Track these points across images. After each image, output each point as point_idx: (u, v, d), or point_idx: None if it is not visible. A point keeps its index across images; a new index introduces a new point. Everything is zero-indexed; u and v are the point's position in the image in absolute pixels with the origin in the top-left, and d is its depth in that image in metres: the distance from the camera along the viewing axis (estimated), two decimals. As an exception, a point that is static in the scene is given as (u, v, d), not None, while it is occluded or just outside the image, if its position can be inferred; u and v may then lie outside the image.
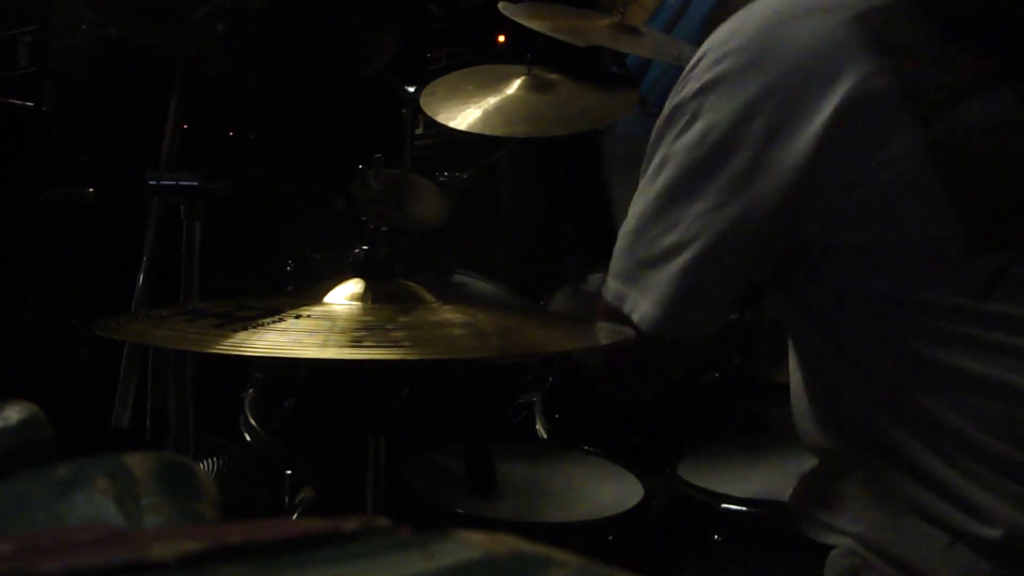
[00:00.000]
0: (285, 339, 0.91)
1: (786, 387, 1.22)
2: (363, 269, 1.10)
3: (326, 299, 1.08)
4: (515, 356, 1.87)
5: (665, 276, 1.10)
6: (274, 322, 0.93)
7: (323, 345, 0.90)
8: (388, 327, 0.96)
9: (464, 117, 1.91)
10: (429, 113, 1.97)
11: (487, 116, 1.91)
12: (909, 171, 0.99)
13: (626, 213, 1.18)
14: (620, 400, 1.85)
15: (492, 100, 1.95)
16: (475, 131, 1.88)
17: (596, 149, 2.64)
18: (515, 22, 1.92)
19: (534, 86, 1.97)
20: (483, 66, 2.09)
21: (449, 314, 1.06)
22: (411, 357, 0.93)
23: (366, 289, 1.08)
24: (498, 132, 1.90)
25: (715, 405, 1.89)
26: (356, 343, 0.90)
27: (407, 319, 1.00)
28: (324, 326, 0.95)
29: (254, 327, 0.92)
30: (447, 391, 1.72)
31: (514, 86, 1.96)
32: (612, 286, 1.16)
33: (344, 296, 1.08)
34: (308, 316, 0.98)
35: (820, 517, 1.13)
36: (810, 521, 1.14)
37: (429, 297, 1.11)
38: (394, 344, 0.93)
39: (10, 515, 0.40)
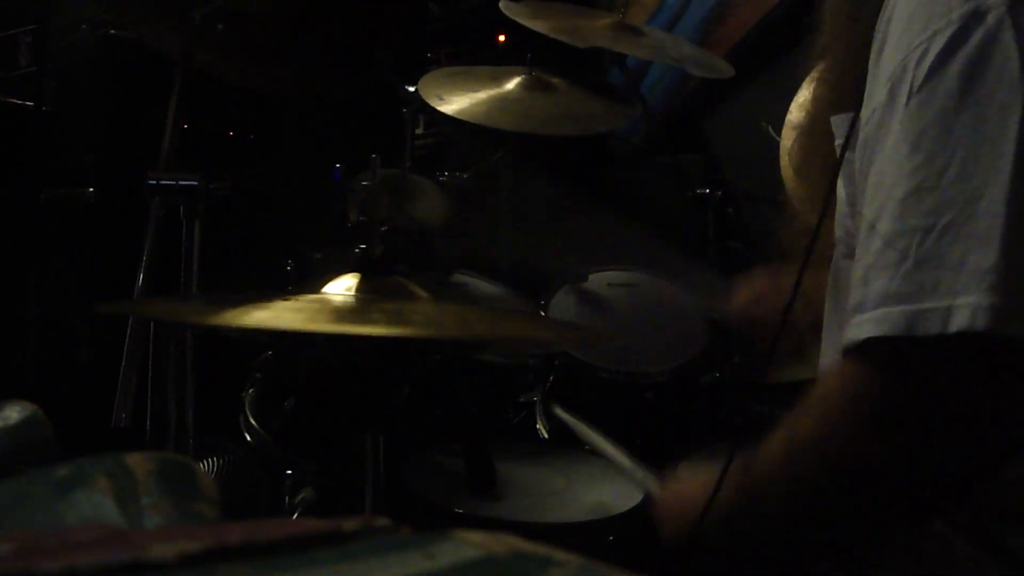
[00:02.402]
0: (268, 314, 0.92)
1: (786, 387, 1.21)
2: (361, 267, 1.10)
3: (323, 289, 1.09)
4: (502, 347, 1.87)
5: (975, 237, 0.78)
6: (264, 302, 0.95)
7: (308, 320, 0.91)
8: (369, 309, 0.96)
9: (461, 107, 1.91)
10: (426, 99, 1.96)
11: (485, 108, 1.91)
12: None
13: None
14: (620, 397, 1.85)
15: (490, 94, 1.95)
16: (471, 120, 1.87)
17: (596, 149, 2.65)
18: (515, 22, 1.92)
19: (533, 86, 1.97)
20: (482, 67, 2.09)
21: (435, 305, 1.06)
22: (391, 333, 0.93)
23: (360, 282, 1.08)
24: (494, 124, 1.90)
25: (715, 405, 1.89)
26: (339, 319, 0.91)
27: (392, 305, 1.01)
28: (311, 306, 0.96)
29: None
30: (447, 391, 1.72)
31: (513, 83, 1.96)
32: (879, 315, 0.81)
33: (339, 288, 1.08)
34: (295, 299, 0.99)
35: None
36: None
37: (423, 293, 1.11)
38: (372, 322, 0.93)
39: (10, 515, 0.40)
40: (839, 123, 1.02)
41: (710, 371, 1.88)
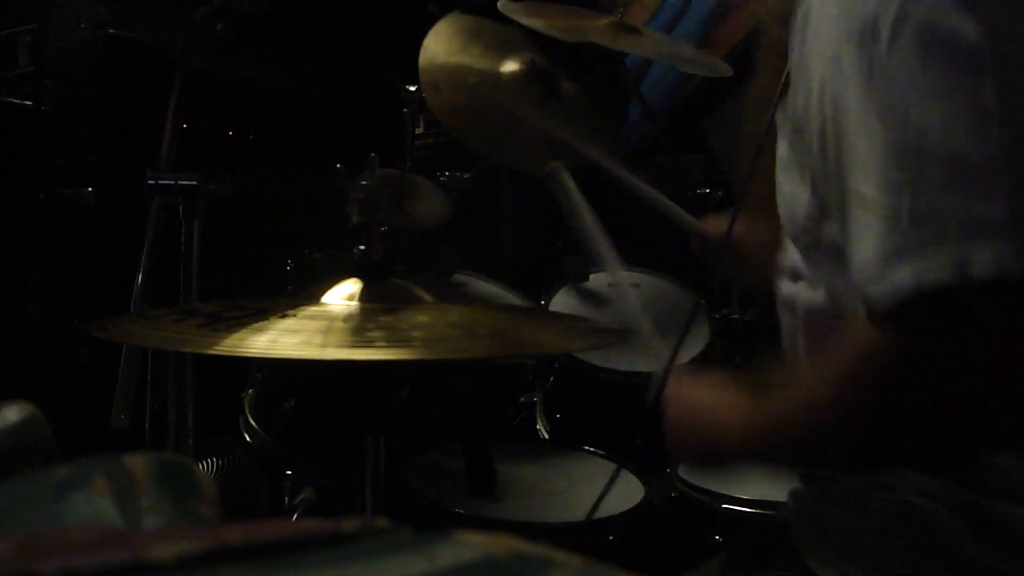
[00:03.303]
0: (265, 339, 0.91)
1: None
2: (360, 269, 1.09)
3: (323, 299, 1.08)
4: (511, 357, 1.87)
5: (973, 190, 0.80)
6: (261, 323, 0.94)
7: (315, 345, 0.90)
8: (370, 327, 0.95)
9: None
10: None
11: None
12: None
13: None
14: (620, 397, 1.85)
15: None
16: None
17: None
18: (515, 22, 1.92)
19: (537, 81, 1.95)
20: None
21: (442, 313, 1.06)
22: (402, 357, 0.93)
23: (362, 289, 1.08)
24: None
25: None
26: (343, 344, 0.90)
27: (395, 318, 1.00)
28: (313, 327, 0.95)
29: (237, 328, 0.92)
30: (447, 391, 1.72)
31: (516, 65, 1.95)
32: (892, 276, 0.81)
33: (340, 296, 1.08)
34: (293, 316, 0.98)
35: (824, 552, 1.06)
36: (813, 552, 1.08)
37: (426, 297, 1.11)
38: (368, 344, 0.93)
39: (10, 515, 0.40)
40: (783, 120, 1.04)
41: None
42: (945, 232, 0.79)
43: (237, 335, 0.91)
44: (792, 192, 1.02)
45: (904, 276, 0.80)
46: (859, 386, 0.87)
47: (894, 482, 1.01)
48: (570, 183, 1.50)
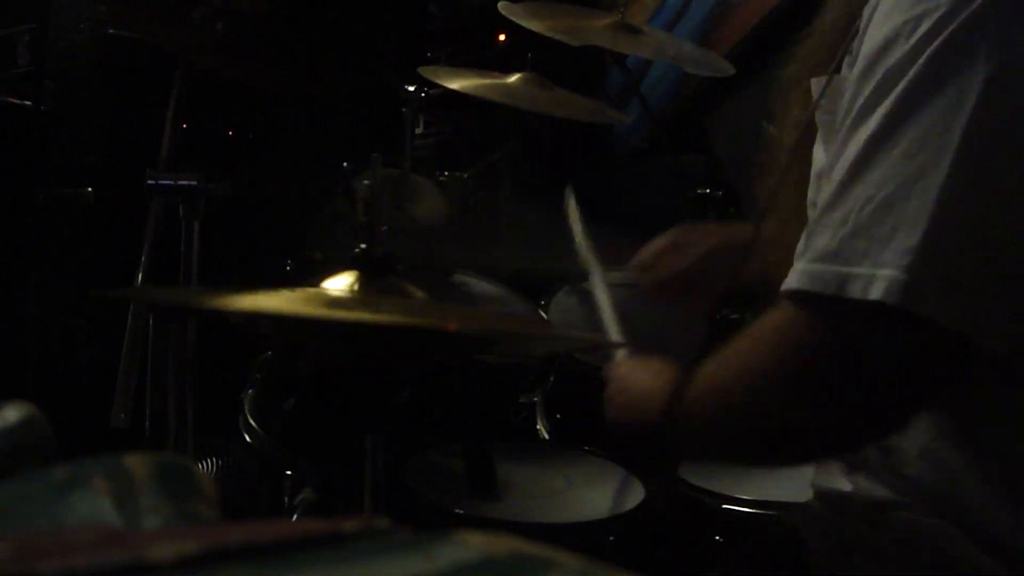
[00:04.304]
0: (271, 300, 0.92)
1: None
2: (359, 266, 1.09)
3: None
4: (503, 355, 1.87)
5: (906, 217, 0.82)
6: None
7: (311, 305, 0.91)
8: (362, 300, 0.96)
9: (462, 84, 1.90)
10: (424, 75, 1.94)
11: (486, 90, 1.90)
12: None
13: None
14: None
15: (491, 82, 1.94)
16: (476, 94, 1.86)
17: (596, 149, 2.65)
18: (515, 22, 1.92)
19: (534, 84, 1.96)
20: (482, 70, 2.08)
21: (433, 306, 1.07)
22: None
23: (359, 281, 1.08)
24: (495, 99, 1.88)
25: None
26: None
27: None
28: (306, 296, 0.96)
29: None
30: (447, 391, 1.72)
31: (513, 79, 1.96)
32: (810, 268, 0.87)
33: (338, 285, 1.08)
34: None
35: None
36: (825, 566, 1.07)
37: (420, 294, 1.10)
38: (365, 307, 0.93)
39: (10, 515, 0.40)
40: (817, 84, 1.03)
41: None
42: (870, 252, 0.82)
43: (241, 296, 0.92)
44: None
45: (797, 271, 0.86)
46: (765, 360, 0.91)
47: (911, 502, 1.00)
48: (574, 211, 1.53)
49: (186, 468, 0.43)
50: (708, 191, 2.23)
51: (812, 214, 1.02)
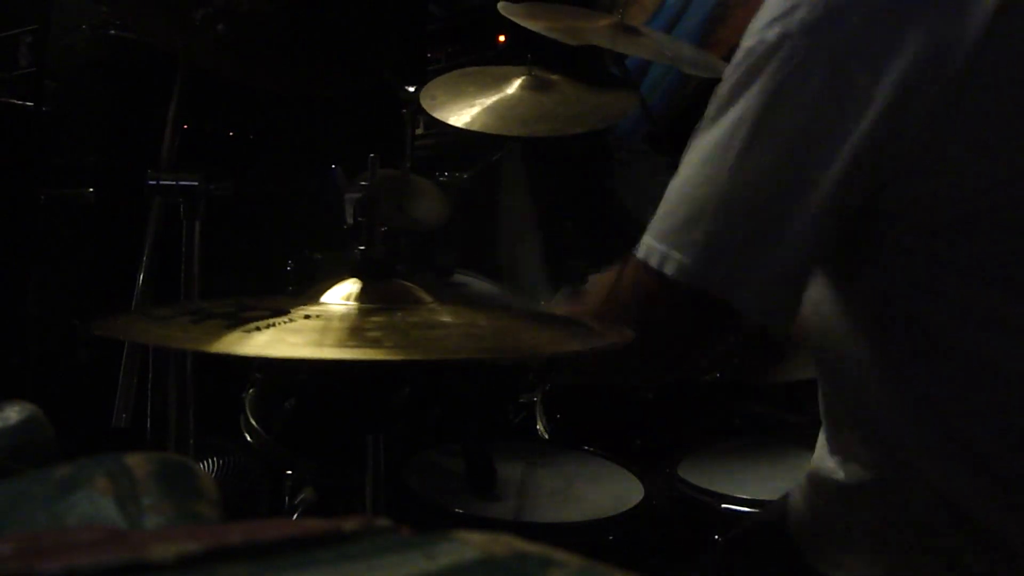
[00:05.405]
0: (268, 339, 0.91)
1: (786, 387, 1.21)
2: (360, 269, 1.09)
3: (322, 299, 1.08)
4: (511, 358, 1.87)
5: (696, 213, 1.03)
6: (285, 322, 0.94)
7: (318, 345, 0.90)
8: (368, 328, 0.95)
9: (464, 115, 1.91)
10: (429, 111, 1.97)
11: (487, 115, 1.91)
12: None
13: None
14: (620, 397, 1.85)
15: (492, 100, 1.95)
16: (475, 129, 1.88)
17: (597, 149, 2.64)
18: (515, 22, 1.92)
19: (534, 86, 1.97)
20: (483, 67, 2.09)
21: (443, 315, 1.06)
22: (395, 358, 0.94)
23: (361, 290, 1.08)
24: (498, 131, 1.90)
25: (715, 405, 1.89)
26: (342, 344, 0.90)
27: (394, 320, 1.00)
28: (317, 326, 0.95)
29: (261, 328, 0.92)
30: (447, 391, 1.72)
31: (514, 86, 1.97)
32: (650, 243, 1.06)
33: (340, 296, 1.08)
34: (317, 317, 0.98)
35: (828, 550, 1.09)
36: (817, 552, 1.11)
37: (426, 297, 1.10)
38: (373, 344, 0.93)
39: (10, 515, 0.40)
40: None
41: (710, 371, 1.88)
42: (673, 236, 1.03)
43: (234, 335, 0.91)
44: None
45: (657, 252, 1.04)
46: (616, 303, 1.15)
47: (900, 482, 1.03)
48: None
49: (187, 468, 0.43)
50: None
51: None
